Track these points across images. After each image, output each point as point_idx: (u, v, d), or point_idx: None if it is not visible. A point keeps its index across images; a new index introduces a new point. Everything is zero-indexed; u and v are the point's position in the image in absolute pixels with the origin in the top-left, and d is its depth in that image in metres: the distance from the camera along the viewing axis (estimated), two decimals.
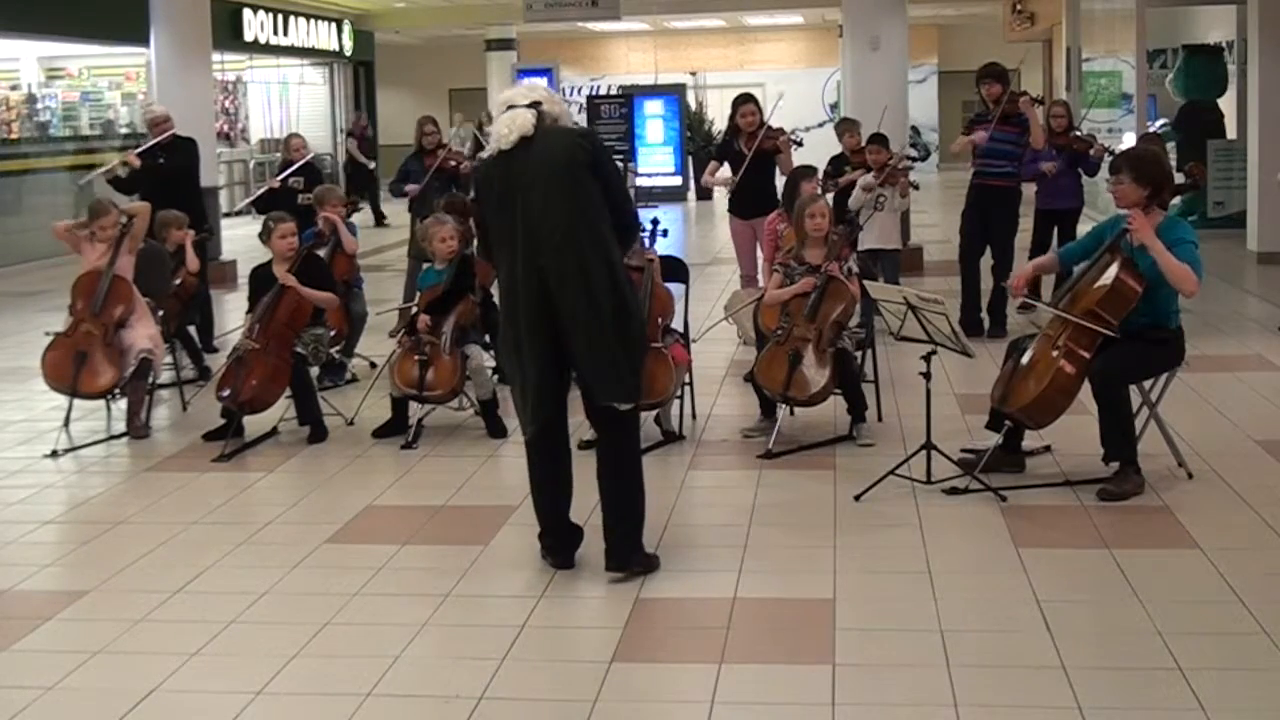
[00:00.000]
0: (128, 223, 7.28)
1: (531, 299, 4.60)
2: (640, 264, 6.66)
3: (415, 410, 6.80)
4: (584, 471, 4.87)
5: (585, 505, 4.96)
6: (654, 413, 6.52)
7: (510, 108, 4.73)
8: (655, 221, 6.99)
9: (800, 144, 9.22)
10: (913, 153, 10.44)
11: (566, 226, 4.57)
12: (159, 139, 9.82)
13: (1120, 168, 5.60)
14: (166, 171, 9.58)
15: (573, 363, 4.68)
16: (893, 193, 8.68)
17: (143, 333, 7.12)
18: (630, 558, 4.71)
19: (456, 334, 6.83)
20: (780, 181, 8.62)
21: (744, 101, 9.27)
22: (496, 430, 6.81)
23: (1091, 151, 9.71)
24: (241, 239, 16.22)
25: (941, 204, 18.81)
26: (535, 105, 4.71)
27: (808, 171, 7.98)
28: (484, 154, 4.80)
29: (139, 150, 9.85)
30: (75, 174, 16.70)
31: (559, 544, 4.84)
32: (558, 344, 4.63)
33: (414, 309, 7.02)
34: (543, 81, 5.12)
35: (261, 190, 10.46)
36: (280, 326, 6.85)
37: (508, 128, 4.65)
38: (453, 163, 9.92)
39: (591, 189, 4.64)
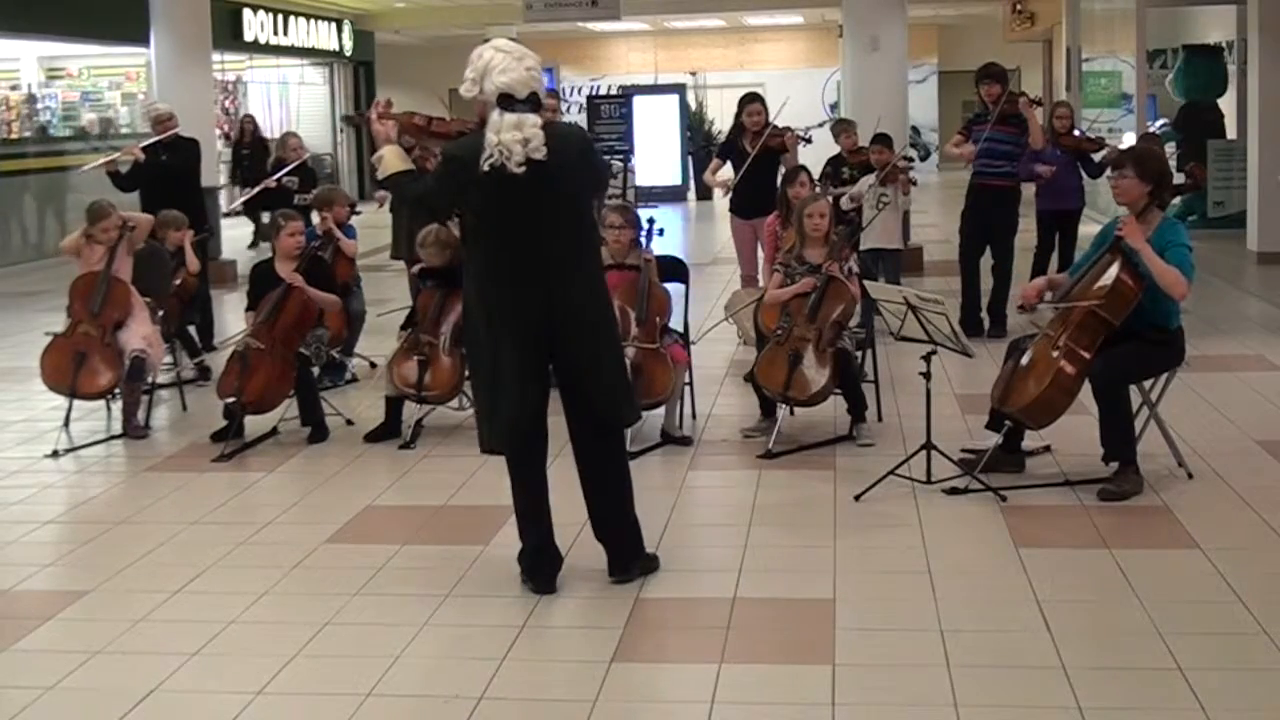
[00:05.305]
0: (124, 225, 7.29)
1: (530, 319, 4.42)
2: (637, 264, 6.66)
3: (415, 410, 6.80)
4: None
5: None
6: (653, 413, 6.51)
7: (505, 100, 4.31)
8: (651, 221, 6.97)
9: (809, 141, 9.21)
10: (912, 153, 10.45)
11: (575, 251, 4.48)
12: (162, 137, 9.79)
13: (1124, 163, 5.59)
14: (168, 170, 9.55)
15: (574, 383, 4.54)
16: (894, 190, 8.70)
17: (137, 333, 7.11)
18: (635, 564, 4.66)
19: (456, 333, 6.81)
20: None
21: (751, 101, 9.26)
22: None
23: (1103, 153, 9.68)
24: (241, 239, 16.23)
25: (941, 204, 18.79)
26: (535, 100, 4.34)
27: (794, 174, 7.98)
28: (487, 159, 4.29)
29: (143, 145, 9.81)
30: (74, 174, 16.73)
31: (548, 564, 4.62)
32: (547, 362, 4.51)
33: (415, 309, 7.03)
34: (525, 52, 4.40)
35: (255, 190, 10.43)
36: (287, 328, 6.84)
37: (519, 145, 4.29)
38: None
39: (589, 198, 4.63)
